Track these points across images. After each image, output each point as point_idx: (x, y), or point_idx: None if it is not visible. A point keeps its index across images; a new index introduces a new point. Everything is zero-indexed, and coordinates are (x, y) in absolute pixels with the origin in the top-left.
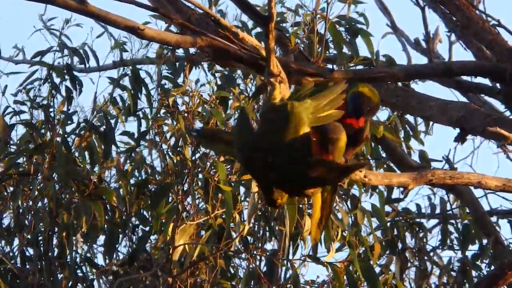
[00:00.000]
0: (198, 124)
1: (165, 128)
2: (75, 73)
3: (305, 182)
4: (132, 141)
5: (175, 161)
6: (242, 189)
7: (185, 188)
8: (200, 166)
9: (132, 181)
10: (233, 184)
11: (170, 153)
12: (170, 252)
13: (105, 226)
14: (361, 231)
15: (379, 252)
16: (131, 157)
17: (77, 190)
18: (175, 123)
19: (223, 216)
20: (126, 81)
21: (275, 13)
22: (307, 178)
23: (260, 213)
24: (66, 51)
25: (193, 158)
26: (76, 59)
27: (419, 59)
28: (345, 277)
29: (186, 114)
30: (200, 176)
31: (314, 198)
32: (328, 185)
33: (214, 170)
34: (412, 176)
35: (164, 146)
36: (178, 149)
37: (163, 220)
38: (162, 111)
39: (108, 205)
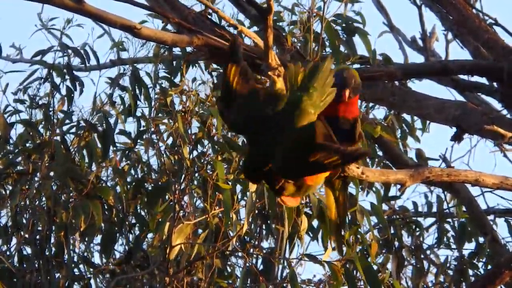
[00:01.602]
0: (195, 124)
1: (162, 127)
2: (76, 72)
3: (306, 167)
4: (129, 141)
5: (172, 160)
6: (238, 188)
7: (182, 187)
8: (197, 165)
9: (129, 180)
10: (230, 183)
11: (168, 152)
12: (167, 251)
13: (102, 225)
14: (358, 230)
15: (376, 250)
16: (128, 155)
17: (75, 189)
18: (172, 122)
19: (220, 215)
20: (124, 81)
21: (273, 5)
22: (307, 162)
23: (257, 212)
24: (66, 51)
25: (191, 157)
26: (77, 59)
27: (416, 58)
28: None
29: (183, 114)
30: (196, 175)
31: (328, 200)
32: (329, 171)
33: (212, 169)
34: (409, 173)
35: (161, 145)
36: (176, 148)
37: (160, 219)
38: (159, 110)
39: (105, 204)
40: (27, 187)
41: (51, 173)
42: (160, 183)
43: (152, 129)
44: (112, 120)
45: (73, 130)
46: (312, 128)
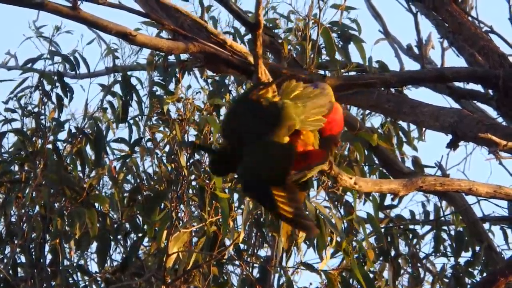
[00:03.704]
0: (192, 132)
1: (159, 135)
2: (66, 80)
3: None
4: (125, 148)
5: (169, 168)
6: (234, 196)
7: (178, 195)
8: (194, 173)
9: (126, 188)
10: (226, 191)
11: (164, 160)
12: (164, 259)
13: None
14: (354, 239)
15: (372, 258)
16: (125, 163)
17: (70, 197)
18: (169, 130)
19: (218, 223)
20: (117, 88)
21: (263, 21)
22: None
23: (253, 220)
24: (56, 58)
25: (187, 165)
26: (67, 66)
27: (412, 65)
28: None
29: (180, 122)
30: (194, 183)
31: None
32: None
33: (209, 178)
34: (402, 183)
35: (158, 153)
36: (173, 156)
37: (156, 228)
38: (154, 118)
39: (100, 212)
40: (23, 195)
41: (45, 181)
42: (156, 191)
43: (148, 137)
44: (104, 127)
45: (65, 137)
46: (290, 151)
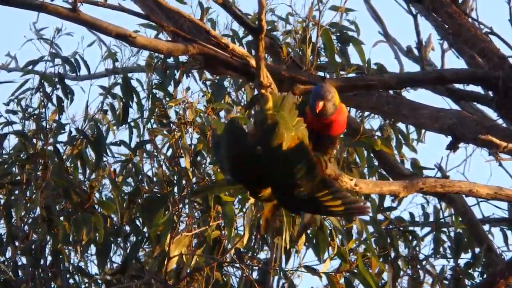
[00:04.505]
0: (195, 135)
1: (160, 138)
2: (67, 81)
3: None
4: (126, 151)
5: (171, 171)
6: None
7: (180, 198)
8: (198, 176)
9: (126, 190)
10: (227, 193)
11: (167, 164)
12: (165, 262)
13: (97, 235)
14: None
15: (376, 264)
16: (126, 166)
17: (75, 202)
18: (171, 133)
19: (220, 227)
20: (117, 90)
21: (265, 25)
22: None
23: (253, 223)
24: (57, 60)
25: (191, 169)
26: (67, 68)
27: (412, 67)
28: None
29: (183, 124)
30: (195, 186)
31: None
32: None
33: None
34: (403, 185)
35: (159, 156)
36: (176, 159)
37: (158, 232)
38: (154, 120)
39: (100, 214)
40: (26, 197)
41: (46, 184)
42: (158, 194)
43: (148, 139)
44: (104, 128)
45: (66, 139)
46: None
